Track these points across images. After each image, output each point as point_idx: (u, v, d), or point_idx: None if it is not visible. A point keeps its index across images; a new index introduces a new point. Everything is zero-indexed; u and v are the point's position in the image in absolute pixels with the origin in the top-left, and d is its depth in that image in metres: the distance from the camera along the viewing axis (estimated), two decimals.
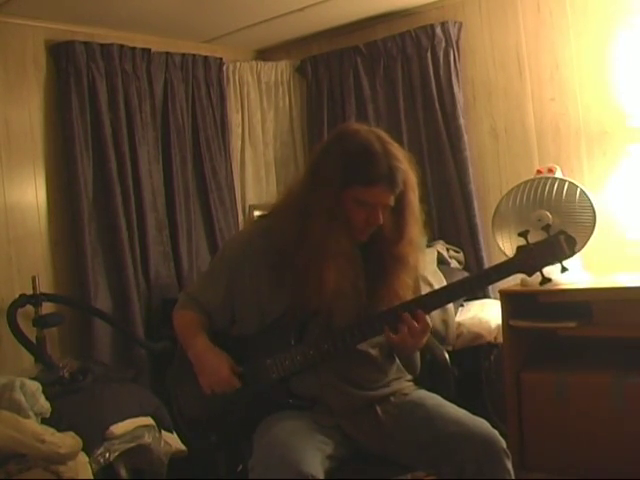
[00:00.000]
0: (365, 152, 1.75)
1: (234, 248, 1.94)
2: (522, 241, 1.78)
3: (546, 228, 1.79)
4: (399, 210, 1.81)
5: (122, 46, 3.28)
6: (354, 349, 1.82)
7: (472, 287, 1.86)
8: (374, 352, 1.88)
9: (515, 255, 1.77)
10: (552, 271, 1.78)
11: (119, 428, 2.46)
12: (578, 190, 2.69)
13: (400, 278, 1.84)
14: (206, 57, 3.65)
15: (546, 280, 1.77)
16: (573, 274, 2.65)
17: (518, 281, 2.77)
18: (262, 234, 1.89)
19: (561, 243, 1.73)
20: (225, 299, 1.91)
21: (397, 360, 1.99)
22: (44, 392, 2.41)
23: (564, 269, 1.74)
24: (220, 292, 1.91)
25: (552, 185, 2.74)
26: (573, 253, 1.74)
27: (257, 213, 3.78)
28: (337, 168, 1.76)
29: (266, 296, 1.85)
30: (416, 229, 1.86)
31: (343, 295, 1.79)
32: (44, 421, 2.34)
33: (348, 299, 1.81)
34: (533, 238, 1.77)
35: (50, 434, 2.23)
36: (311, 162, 1.87)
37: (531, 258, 1.74)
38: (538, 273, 1.76)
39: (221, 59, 3.72)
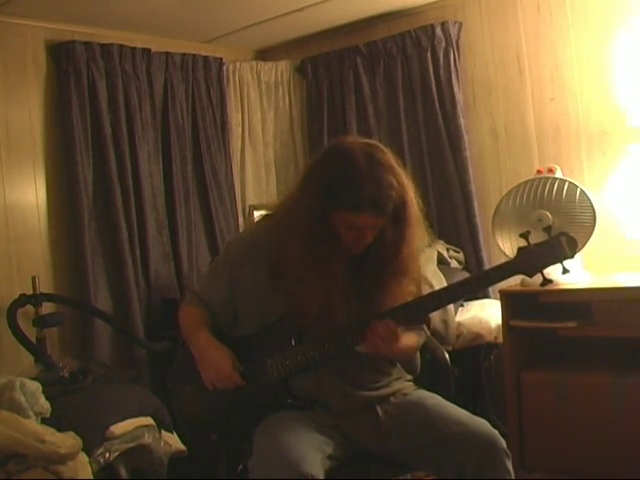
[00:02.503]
0: (350, 178, 1.69)
1: (237, 248, 1.94)
2: (523, 242, 1.77)
3: (547, 229, 1.78)
4: (398, 226, 1.78)
5: (122, 46, 3.28)
6: (354, 350, 1.82)
7: (473, 288, 1.85)
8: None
9: (516, 256, 1.77)
10: (553, 272, 1.77)
11: (119, 428, 2.46)
12: (578, 190, 2.69)
13: (398, 289, 1.84)
14: (206, 57, 3.65)
15: (547, 281, 1.76)
16: (573, 274, 2.65)
17: (518, 281, 2.77)
18: (264, 235, 1.88)
19: (562, 244, 1.73)
20: (227, 298, 1.91)
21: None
22: (44, 392, 2.41)
23: (565, 270, 1.74)
24: (222, 291, 1.91)
25: (552, 185, 2.74)
26: (574, 254, 1.74)
27: (257, 213, 3.79)
28: (321, 191, 1.72)
29: (266, 298, 1.85)
30: (415, 244, 1.83)
31: (332, 310, 1.78)
32: (44, 421, 2.34)
33: (338, 313, 1.80)
34: (534, 239, 1.76)
35: (50, 434, 2.23)
36: (302, 175, 1.84)
37: (532, 259, 1.74)
38: (539, 274, 1.76)
39: (221, 59, 3.72)
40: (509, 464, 1.71)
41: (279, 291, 1.82)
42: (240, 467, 2.04)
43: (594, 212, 2.64)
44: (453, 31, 3.36)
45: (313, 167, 1.81)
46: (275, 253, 1.83)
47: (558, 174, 2.81)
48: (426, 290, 1.94)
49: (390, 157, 1.76)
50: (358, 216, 1.71)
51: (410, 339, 1.90)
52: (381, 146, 1.79)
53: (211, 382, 1.83)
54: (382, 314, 1.77)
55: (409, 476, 1.98)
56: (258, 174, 3.89)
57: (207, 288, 1.96)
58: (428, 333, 2.02)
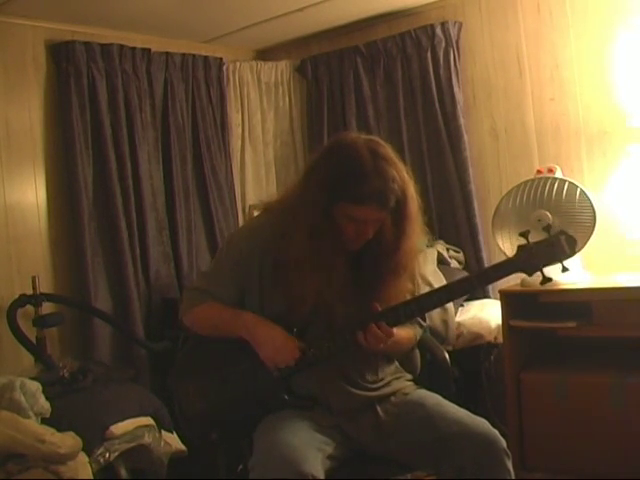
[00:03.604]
0: (355, 171, 1.72)
1: (240, 243, 1.92)
2: (523, 241, 1.77)
3: (547, 228, 1.79)
4: (398, 221, 1.79)
5: (122, 46, 3.27)
6: (354, 348, 1.81)
7: (472, 286, 1.85)
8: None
9: (515, 254, 1.77)
10: (552, 271, 1.77)
11: (119, 428, 2.46)
12: (578, 190, 2.69)
13: (397, 285, 1.84)
14: (206, 57, 3.65)
15: (547, 280, 1.76)
16: (573, 274, 2.65)
17: (518, 281, 2.77)
18: (267, 228, 1.87)
19: (562, 243, 1.73)
20: (235, 294, 1.89)
21: (396, 360, 1.99)
22: (44, 392, 2.41)
23: (565, 269, 1.74)
24: (230, 288, 1.89)
25: (552, 185, 2.74)
26: (574, 253, 1.74)
27: (257, 213, 3.78)
28: (326, 185, 1.74)
29: (268, 294, 1.85)
30: (414, 239, 1.84)
31: (331, 306, 1.78)
32: (44, 421, 2.34)
33: (337, 308, 1.80)
34: (534, 238, 1.76)
35: (50, 434, 2.23)
36: (305, 171, 1.85)
37: (531, 258, 1.74)
38: (538, 273, 1.76)
39: (221, 59, 3.72)
40: (509, 464, 1.71)
41: (280, 287, 1.82)
42: (240, 467, 2.03)
43: (594, 212, 2.64)
44: (453, 31, 3.36)
45: (316, 163, 1.81)
46: (278, 247, 1.82)
47: (558, 174, 2.81)
48: (425, 290, 1.94)
49: (391, 152, 1.78)
50: (361, 208, 1.72)
51: (404, 331, 1.90)
52: (382, 141, 1.81)
53: (272, 360, 1.79)
54: (381, 313, 1.77)
55: (409, 476, 1.98)
56: (258, 174, 3.89)
57: (214, 286, 1.91)
58: (424, 324, 2.01)
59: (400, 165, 1.78)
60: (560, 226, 2.56)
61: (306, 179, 1.81)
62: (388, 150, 1.78)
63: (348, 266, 1.83)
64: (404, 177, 1.77)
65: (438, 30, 3.36)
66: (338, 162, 1.75)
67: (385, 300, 1.80)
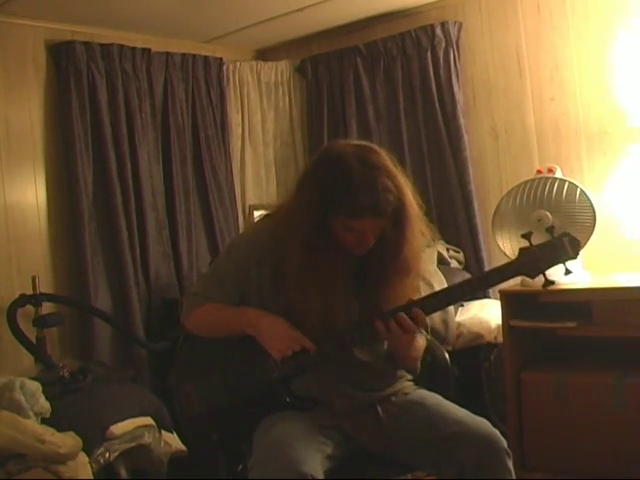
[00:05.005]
0: (344, 185, 1.67)
1: (241, 248, 1.91)
2: (524, 242, 1.74)
3: (550, 230, 1.76)
4: (398, 226, 1.76)
5: (122, 46, 3.28)
6: (354, 351, 1.81)
7: (473, 289, 1.83)
8: (374, 361, 1.87)
9: (518, 257, 1.73)
10: (555, 273, 1.76)
11: (119, 428, 2.46)
12: (578, 190, 2.69)
13: (401, 286, 1.82)
14: (206, 57, 3.65)
15: (549, 283, 1.73)
16: (573, 274, 2.65)
17: (518, 281, 2.77)
18: (268, 234, 1.86)
19: (565, 245, 1.70)
20: (234, 299, 1.88)
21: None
22: (44, 392, 2.41)
23: (568, 272, 1.71)
24: (230, 292, 1.88)
25: (552, 185, 2.74)
26: (577, 255, 1.71)
27: (257, 213, 3.79)
28: (316, 201, 1.70)
29: (268, 298, 1.84)
30: (416, 242, 1.82)
31: (332, 315, 1.77)
32: (44, 421, 2.34)
33: (338, 317, 1.78)
34: (535, 239, 1.73)
35: (50, 434, 2.23)
36: (298, 182, 1.81)
37: (534, 260, 1.71)
38: (540, 275, 1.74)
39: (221, 59, 3.72)
40: (510, 464, 1.71)
41: (280, 292, 1.82)
42: (240, 467, 2.03)
43: (594, 212, 2.64)
44: (453, 31, 3.36)
45: (308, 173, 1.79)
46: (278, 253, 1.82)
47: (558, 174, 2.82)
48: (425, 291, 1.93)
49: (384, 158, 1.73)
50: (357, 221, 1.70)
51: (419, 341, 1.89)
52: (374, 147, 1.77)
53: (276, 347, 1.77)
54: (385, 314, 1.76)
55: (409, 476, 1.98)
56: (258, 174, 3.89)
57: (214, 291, 1.89)
58: (428, 337, 2.01)
59: (393, 171, 1.73)
60: (560, 226, 2.56)
61: (299, 190, 1.78)
62: (380, 156, 1.73)
63: (350, 273, 1.82)
64: (398, 184, 1.72)
65: (438, 30, 3.36)
66: (327, 176, 1.71)
67: (389, 302, 1.78)
